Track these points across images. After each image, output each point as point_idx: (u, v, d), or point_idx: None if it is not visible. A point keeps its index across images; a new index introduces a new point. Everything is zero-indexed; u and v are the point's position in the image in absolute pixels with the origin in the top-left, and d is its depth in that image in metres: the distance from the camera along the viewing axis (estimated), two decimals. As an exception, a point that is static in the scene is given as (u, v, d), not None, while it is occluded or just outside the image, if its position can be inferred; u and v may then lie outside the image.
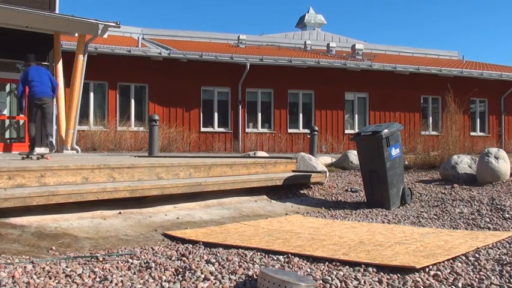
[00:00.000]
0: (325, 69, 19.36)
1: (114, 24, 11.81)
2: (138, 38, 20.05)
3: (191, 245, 3.93)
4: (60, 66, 12.14)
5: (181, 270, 3.05)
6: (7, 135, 13.57)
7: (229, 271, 2.98)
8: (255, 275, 2.87)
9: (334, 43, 24.81)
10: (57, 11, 12.84)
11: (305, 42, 26.63)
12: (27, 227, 4.13)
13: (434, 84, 20.05)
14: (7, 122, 13.58)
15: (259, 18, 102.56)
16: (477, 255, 3.33)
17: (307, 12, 32.85)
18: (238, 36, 24.69)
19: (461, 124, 10.07)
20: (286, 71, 19.05)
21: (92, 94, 16.88)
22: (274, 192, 6.67)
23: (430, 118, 20.89)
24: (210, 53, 18.23)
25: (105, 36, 12.08)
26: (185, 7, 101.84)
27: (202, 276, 2.86)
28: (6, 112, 13.47)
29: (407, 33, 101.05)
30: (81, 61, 11.92)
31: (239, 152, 17.58)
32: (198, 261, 3.28)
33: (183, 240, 4.12)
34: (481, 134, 21.36)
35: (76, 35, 12.45)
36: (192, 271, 2.95)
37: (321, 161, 10.63)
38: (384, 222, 5.04)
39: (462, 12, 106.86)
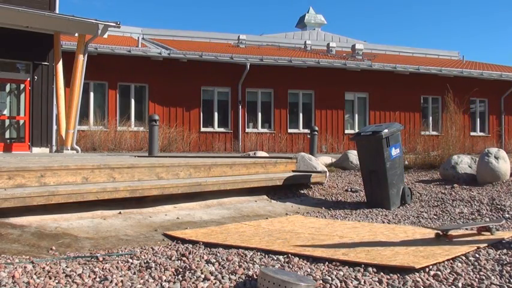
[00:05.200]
0: (325, 69, 19.37)
1: (114, 24, 11.82)
2: (138, 38, 20.07)
3: (191, 245, 3.93)
4: (60, 66, 12.14)
5: (181, 270, 3.04)
6: (7, 135, 13.57)
7: (230, 271, 2.98)
8: (255, 275, 2.87)
9: (334, 43, 24.82)
10: (57, 11, 12.86)
11: (305, 42, 26.63)
12: (27, 227, 4.13)
13: (434, 84, 20.04)
14: (7, 122, 13.58)
15: (260, 19, 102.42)
16: (477, 255, 3.33)
17: (307, 12, 32.86)
18: (238, 36, 24.68)
19: (461, 124, 10.06)
20: (286, 71, 19.05)
21: (92, 94, 16.88)
22: (275, 192, 6.67)
23: (430, 118, 20.89)
24: (210, 53, 18.24)
25: (105, 36, 12.09)
26: (185, 7, 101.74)
27: (202, 276, 2.85)
28: (6, 112, 13.47)
29: (408, 33, 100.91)
30: (81, 61, 11.93)
31: (239, 152, 17.58)
32: (198, 261, 3.28)
33: (183, 240, 4.12)
34: (481, 134, 21.36)
35: (76, 35, 12.45)
36: (192, 271, 2.95)
37: (321, 161, 10.62)
38: (383, 222, 5.03)
39: (462, 13, 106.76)
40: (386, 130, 6.12)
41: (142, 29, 24.80)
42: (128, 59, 16.96)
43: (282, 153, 17.39)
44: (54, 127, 12.95)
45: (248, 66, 18.14)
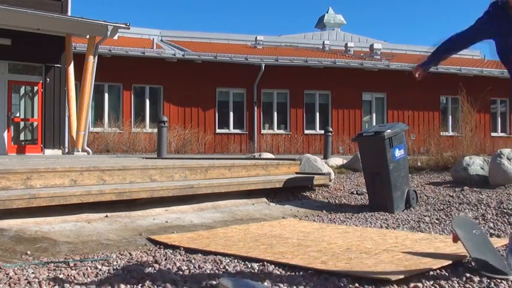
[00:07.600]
0: (342, 70, 19.06)
1: (124, 26, 11.78)
2: (153, 39, 20.06)
3: (171, 250, 3.78)
4: (71, 68, 12.16)
5: (147, 277, 2.89)
6: (21, 138, 13.69)
7: (194, 280, 2.81)
8: (218, 285, 2.69)
9: (353, 43, 24.43)
10: (69, 13, 12.89)
11: (323, 42, 26.28)
12: (7, 230, 4.03)
13: (453, 84, 19.34)
14: (21, 124, 13.70)
15: (278, 20, 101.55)
16: (469, 266, 3.08)
17: (327, 12, 32.49)
18: (256, 37, 24.50)
19: (477, 124, 9.70)
20: (302, 71, 18.80)
21: (106, 95, 16.92)
22: (275, 194, 6.47)
23: (450, 118, 20.34)
24: (225, 54, 18.12)
25: (115, 37, 12.08)
26: (204, 8, 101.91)
27: (163, 285, 2.69)
28: (20, 114, 13.59)
29: (429, 33, 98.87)
30: (91, 62, 11.92)
31: (254, 153, 17.40)
32: (169, 268, 3.12)
33: (166, 245, 3.96)
34: (503, 134, 20.71)
35: (88, 36, 12.45)
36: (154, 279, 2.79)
37: (332, 163, 10.37)
38: (382, 226, 4.80)
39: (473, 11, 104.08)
40: (389, 130, 5.89)
41: (161, 31, 24.86)
42: (143, 60, 16.96)
43: (299, 154, 17.15)
44: (67, 129, 12.99)
45: (263, 67, 17.97)
